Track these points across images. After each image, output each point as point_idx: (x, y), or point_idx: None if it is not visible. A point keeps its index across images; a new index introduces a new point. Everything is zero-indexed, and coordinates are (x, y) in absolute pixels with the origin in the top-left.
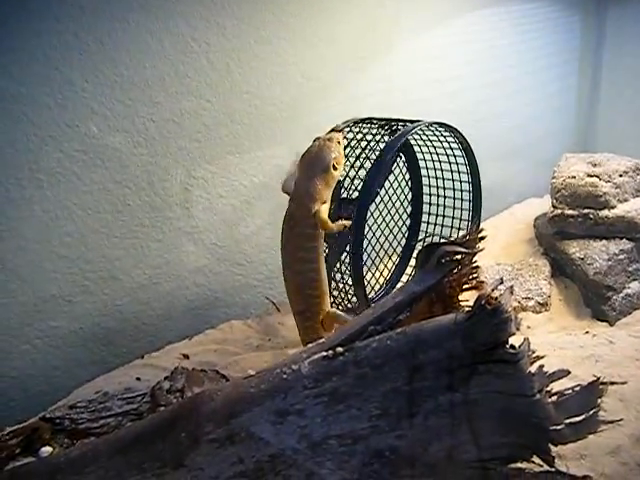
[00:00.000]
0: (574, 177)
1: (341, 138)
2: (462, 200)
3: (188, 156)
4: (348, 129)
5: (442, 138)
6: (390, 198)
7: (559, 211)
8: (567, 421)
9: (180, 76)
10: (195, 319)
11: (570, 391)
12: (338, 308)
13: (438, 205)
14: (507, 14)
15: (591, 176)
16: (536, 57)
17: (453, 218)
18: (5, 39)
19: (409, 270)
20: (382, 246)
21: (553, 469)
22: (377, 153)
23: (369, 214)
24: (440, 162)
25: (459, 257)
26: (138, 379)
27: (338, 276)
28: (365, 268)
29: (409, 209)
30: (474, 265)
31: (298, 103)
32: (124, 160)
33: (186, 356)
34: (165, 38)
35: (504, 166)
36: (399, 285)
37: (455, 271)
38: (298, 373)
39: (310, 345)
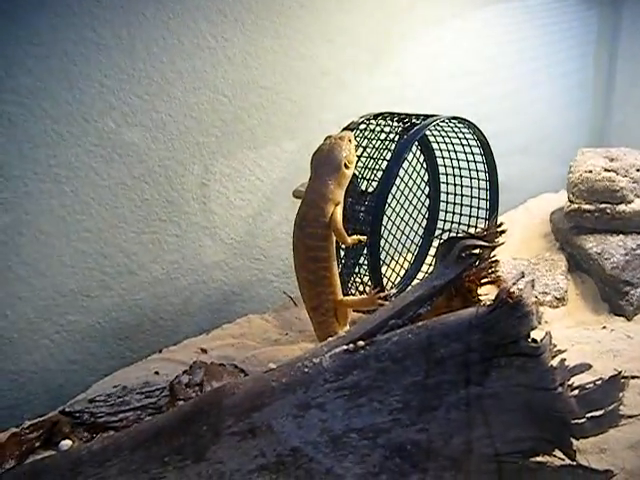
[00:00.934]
0: (591, 171)
1: (352, 137)
2: (479, 196)
3: (205, 151)
4: (365, 124)
5: (459, 133)
6: (407, 193)
7: (576, 206)
8: (588, 415)
9: (197, 71)
10: (212, 314)
11: (592, 385)
12: None
13: (455, 201)
14: (523, 8)
15: (608, 171)
16: (552, 51)
17: (470, 214)
18: (23, 34)
19: (425, 266)
20: (399, 240)
21: (574, 463)
22: (394, 146)
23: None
24: (458, 158)
25: (479, 251)
26: (157, 373)
27: (355, 270)
28: (382, 262)
29: (426, 203)
30: (493, 259)
31: (314, 98)
32: (142, 155)
33: (204, 350)
34: (182, 33)
35: (519, 161)
36: (416, 280)
37: (474, 265)
38: (319, 367)
39: (331, 339)
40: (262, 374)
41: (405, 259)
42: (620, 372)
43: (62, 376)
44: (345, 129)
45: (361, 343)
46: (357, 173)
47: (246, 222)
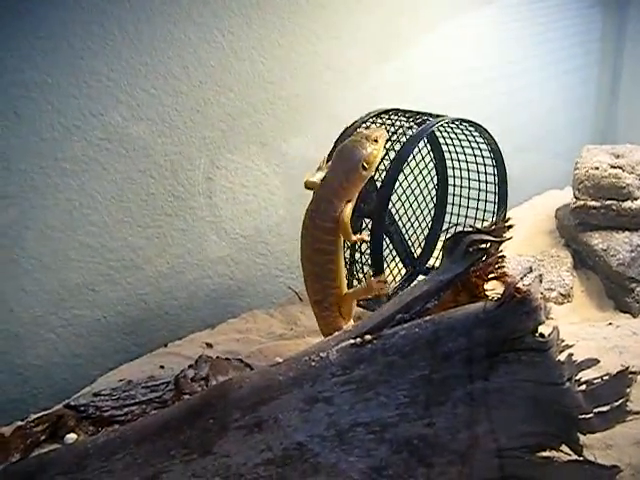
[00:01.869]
0: (597, 168)
1: (384, 136)
2: (487, 191)
3: (211, 146)
4: (372, 121)
5: (467, 132)
6: (415, 187)
7: (582, 202)
8: (595, 410)
9: (204, 65)
10: (218, 308)
11: (599, 380)
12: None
13: (461, 195)
14: (528, 5)
15: (614, 167)
16: (556, 48)
17: (477, 209)
18: (30, 28)
19: (432, 260)
20: (407, 233)
21: (581, 458)
22: (400, 144)
23: (392, 204)
24: (465, 154)
25: (486, 246)
26: (162, 367)
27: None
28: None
29: (434, 198)
30: (500, 255)
31: (321, 93)
32: (148, 149)
33: (209, 345)
34: (189, 27)
35: (524, 157)
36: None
37: (481, 260)
38: (326, 361)
39: (337, 333)
40: (269, 368)
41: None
42: (627, 368)
43: (67, 370)
44: (350, 126)
45: (368, 337)
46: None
47: (252, 217)
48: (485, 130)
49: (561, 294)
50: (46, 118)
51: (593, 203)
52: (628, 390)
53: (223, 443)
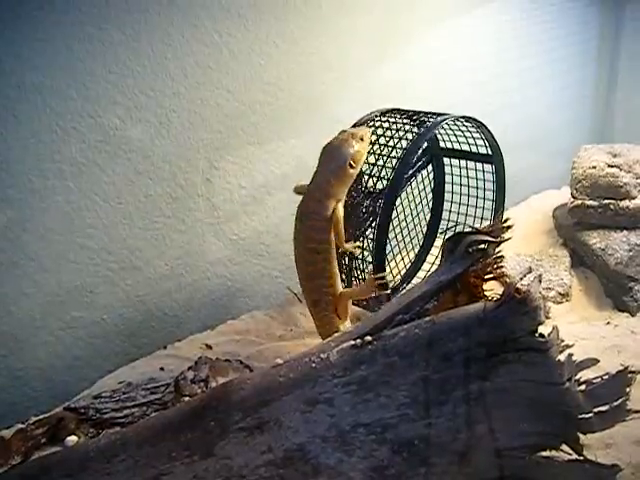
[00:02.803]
0: (594, 167)
1: (368, 134)
2: (485, 192)
3: (209, 147)
4: (373, 121)
5: (466, 130)
6: (411, 189)
7: (579, 202)
8: (595, 410)
9: (202, 67)
10: (216, 310)
11: (598, 380)
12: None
13: (461, 196)
14: (526, 4)
15: (611, 166)
16: (553, 47)
17: (475, 211)
18: (29, 31)
19: (430, 259)
20: (403, 236)
21: (581, 458)
22: (403, 144)
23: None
24: (463, 150)
25: (485, 246)
26: (161, 369)
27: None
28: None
29: (431, 199)
30: (498, 255)
31: (318, 94)
32: (146, 151)
33: (209, 346)
34: (187, 29)
35: (521, 157)
36: (419, 275)
37: (480, 261)
38: (327, 362)
39: (337, 334)
40: (269, 369)
41: (409, 254)
42: (627, 367)
43: (67, 372)
44: (352, 127)
45: (368, 338)
46: (364, 169)
47: (250, 218)
48: (486, 128)
49: (559, 293)
50: (44, 120)
51: (591, 202)
52: (627, 389)
53: (224, 445)
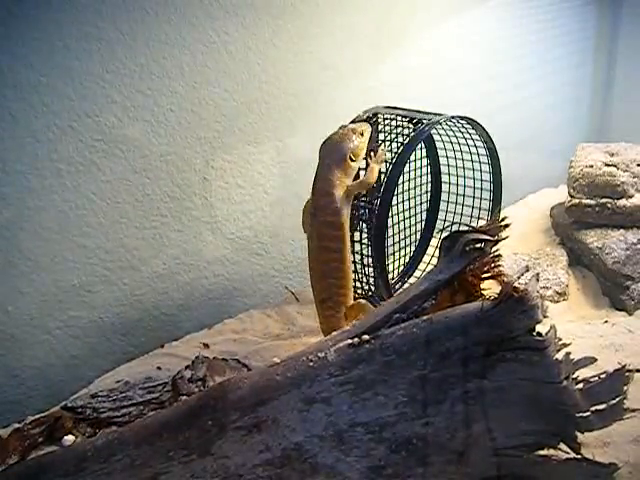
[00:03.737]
0: (591, 166)
1: (368, 130)
2: (482, 191)
3: (207, 146)
4: (368, 119)
5: (462, 129)
6: (407, 187)
7: (576, 200)
8: (593, 408)
9: (199, 66)
10: (214, 309)
11: (596, 379)
12: (356, 293)
13: (457, 194)
14: (522, 3)
15: (609, 165)
16: (550, 46)
17: (472, 209)
18: (25, 29)
19: (426, 258)
20: (400, 233)
21: (579, 456)
22: (398, 144)
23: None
24: (462, 150)
25: (482, 245)
26: (159, 368)
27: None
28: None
29: (428, 197)
30: (496, 254)
31: (316, 93)
32: (143, 150)
33: (206, 345)
34: (184, 28)
35: (518, 156)
36: (416, 274)
37: (478, 259)
38: (324, 361)
39: (335, 333)
40: (267, 368)
41: (406, 252)
42: (624, 366)
43: (64, 371)
44: (351, 122)
45: (366, 337)
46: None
47: (247, 217)
48: (481, 127)
49: (557, 292)
50: (41, 119)
51: (588, 201)
52: (625, 388)
53: (222, 444)
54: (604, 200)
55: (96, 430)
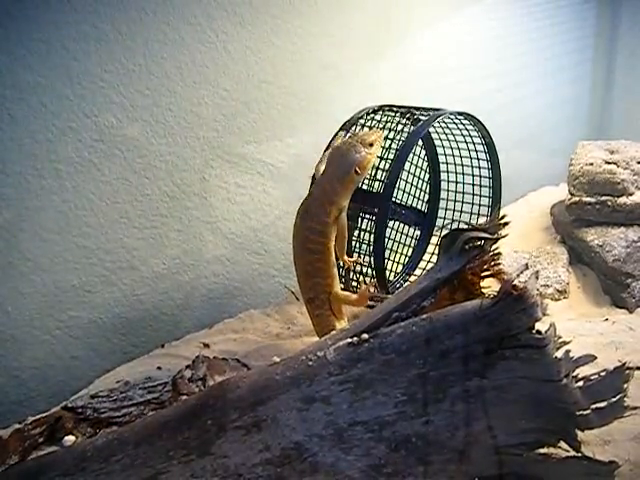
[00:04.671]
0: (592, 164)
1: (380, 139)
2: (481, 189)
3: (206, 146)
4: (365, 118)
5: (461, 126)
6: (407, 186)
7: (577, 198)
8: (593, 406)
9: (198, 66)
10: (214, 308)
11: (596, 376)
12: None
13: (457, 193)
14: (521, 1)
15: (609, 163)
16: (550, 44)
17: (472, 208)
18: (24, 30)
19: (426, 257)
20: (400, 231)
21: (579, 454)
22: (397, 142)
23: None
24: (459, 148)
25: (482, 243)
26: (159, 368)
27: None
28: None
29: (427, 196)
30: (496, 252)
31: (315, 92)
32: (142, 150)
33: (206, 345)
34: (183, 28)
35: (519, 154)
36: (415, 273)
37: (477, 258)
38: (323, 360)
39: (334, 332)
40: (266, 368)
41: (405, 251)
42: (624, 364)
43: (64, 372)
44: (346, 123)
45: (365, 336)
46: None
47: (247, 216)
48: (479, 122)
49: (557, 290)
50: (40, 120)
51: (588, 199)
52: (625, 386)
53: (221, 443)
54: (604, 198)
55: (96, 430)
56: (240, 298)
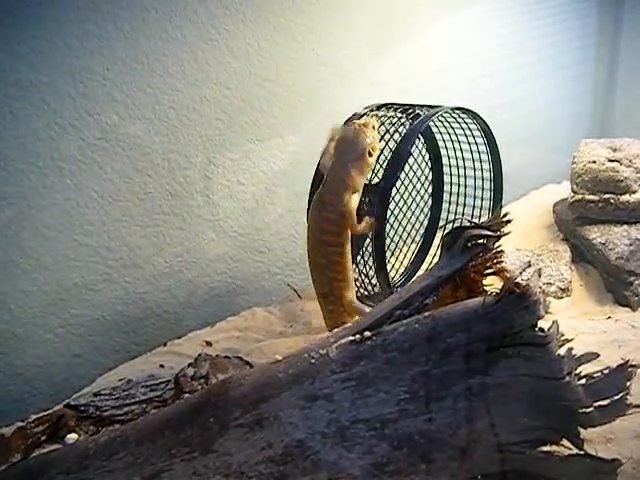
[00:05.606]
0: (594, 162)
1: (376, 124)
2: (483, 186)
3: (208, 143)
4: (368, 115)
5: (463, 123)
6: (409, 184)
7: (579, 196)
8: (596, 404)
9: (200, 63)
10: (217, 306)
11: (599, 374)
12: (359, 292)
13: (459, 191)
14: (524, 0)
15: (612, 161)
16: (553, 43)
17: (474, 205)
18: (26, 28)
19: (429, 256)
20: (405, 229)
21: (582, 452)
22: (398, 138)
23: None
24: (461, 148)
25: (485, 241)
26: (161, 366)
27: (360, 262)
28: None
29: (430, 194)
30: (498, 250)
31: (317, 90)
32: (145, 148)
33: (209, 343)
34: (185, 26)
35: (521, 152)
36: (420, 270)
37: (480, 255)
38: (326, 357)
39: (337, 329)
40: (269, 365)
41: (409, 249)
42: (627, 361)
43: (67, 370)
44: (348, 120)
45: (368, 333)
46: None
47: (249, 214)
48: (478, 116)
49: (560, 288)
50: (43, 118)
51: (591, 197)
52: (628, 384)
53: (224, 441)
54: (607, 196)
55: (99, 428)
56: (243, 296)
